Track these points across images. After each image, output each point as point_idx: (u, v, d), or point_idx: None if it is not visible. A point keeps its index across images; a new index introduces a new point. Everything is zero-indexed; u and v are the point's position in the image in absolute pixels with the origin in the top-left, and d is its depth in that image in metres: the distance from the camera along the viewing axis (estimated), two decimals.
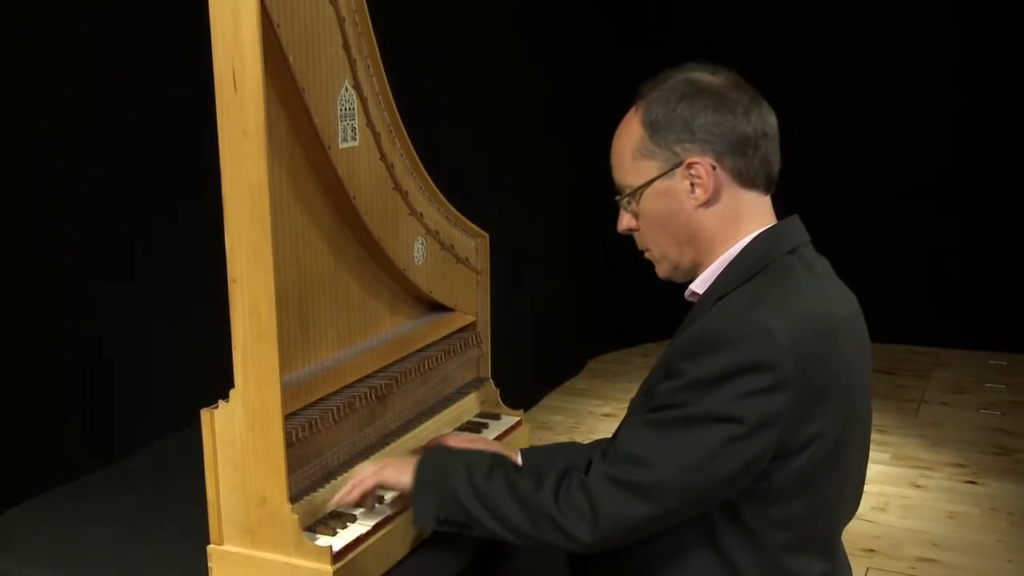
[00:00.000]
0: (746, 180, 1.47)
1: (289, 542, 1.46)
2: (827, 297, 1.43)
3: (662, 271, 1.55)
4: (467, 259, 1.94)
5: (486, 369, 2.02)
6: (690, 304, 1.53)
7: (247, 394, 1.45)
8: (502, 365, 3.81)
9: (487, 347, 2.01)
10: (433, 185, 1.80)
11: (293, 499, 1.49)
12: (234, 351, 1.44)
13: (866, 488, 4.07)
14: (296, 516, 1.45)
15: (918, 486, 3.85)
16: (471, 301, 1.97)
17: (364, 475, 1.57)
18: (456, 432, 1.88)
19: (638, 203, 1.49)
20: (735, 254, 1.46)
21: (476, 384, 2.00)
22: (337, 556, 1.46)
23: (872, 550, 3.37)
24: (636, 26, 5.14)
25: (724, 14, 5.38)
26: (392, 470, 1.56)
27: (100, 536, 1.67)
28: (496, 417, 1.98)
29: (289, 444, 1.46)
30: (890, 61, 5.29)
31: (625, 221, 1.54)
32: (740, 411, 1.30)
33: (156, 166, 2.49)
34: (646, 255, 1.56)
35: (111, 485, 1.86)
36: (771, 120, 1.48)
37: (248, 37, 1.34)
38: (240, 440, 1.47)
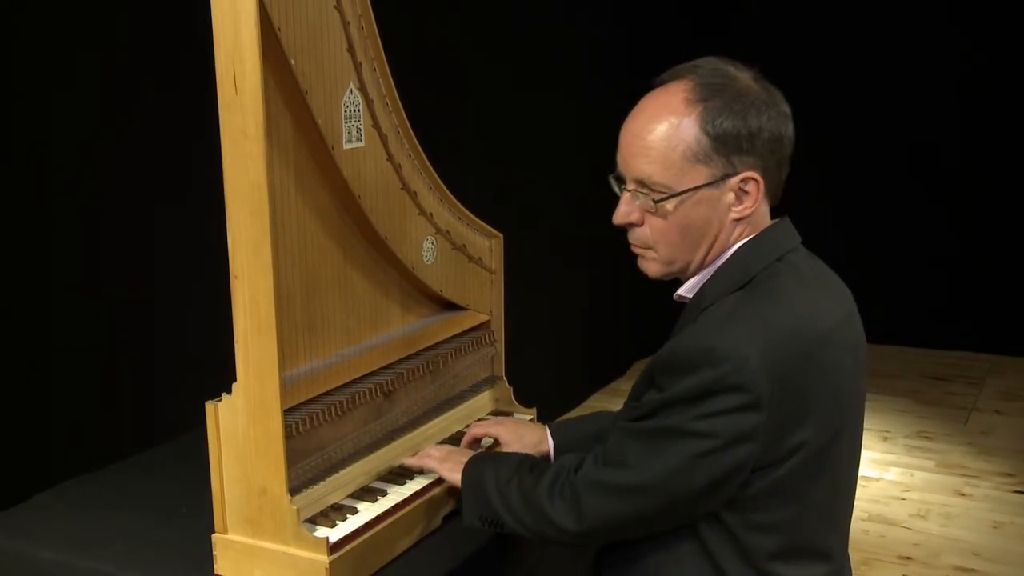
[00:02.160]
0: (771, 195, 1.46)
1: (288, 532, 1.50)
2: (814, 308, 1.40)
3: (657, 271, 1.49)
4: (480, 259, 1.96)
5: (500, 368, 2.04)
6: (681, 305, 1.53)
7: (248, 387, 1.49)
8: (546, 365, 3.82)
9: (501, 346, 2.03)
10: (443, 186, 1.82)
11: (294, 491, 1.52)
12: (236, 345, 1.49)
13: (907, 495, 4.00)
14: (295, 507, 1.49)
15: (962, 494, 3.77)
16: (484, 300, 1.99)
17: (432, 463, 1.68)
18: (485, 418, 1.94)
19: (674, 208, 1.40)
20: (722, 261, 1.44)
21: (490, 382, 2.02)
22: (333, 548, 1.49)
23: (909, 558, 3.31)
24: (665, 22, 5.13)
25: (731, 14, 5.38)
26: (449, 466, 1.66)
27: (118, 522, 1.73)
28: (508, 415, 2.00)
29: (289, 436, 1.50)
30: (934, 61, 5.20)
31: (628, 215, 1.45)
32: (713, 428, 1.31)
33: (174, 162, 2.53)
34: (638, 250, 1.49)
35: (135, 473, 1.93)
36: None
37: (248, 40, 1.38)
38: (242, 432, 1.51)
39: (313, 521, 1.57)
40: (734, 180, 1.40)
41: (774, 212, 1.50)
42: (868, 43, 5.30)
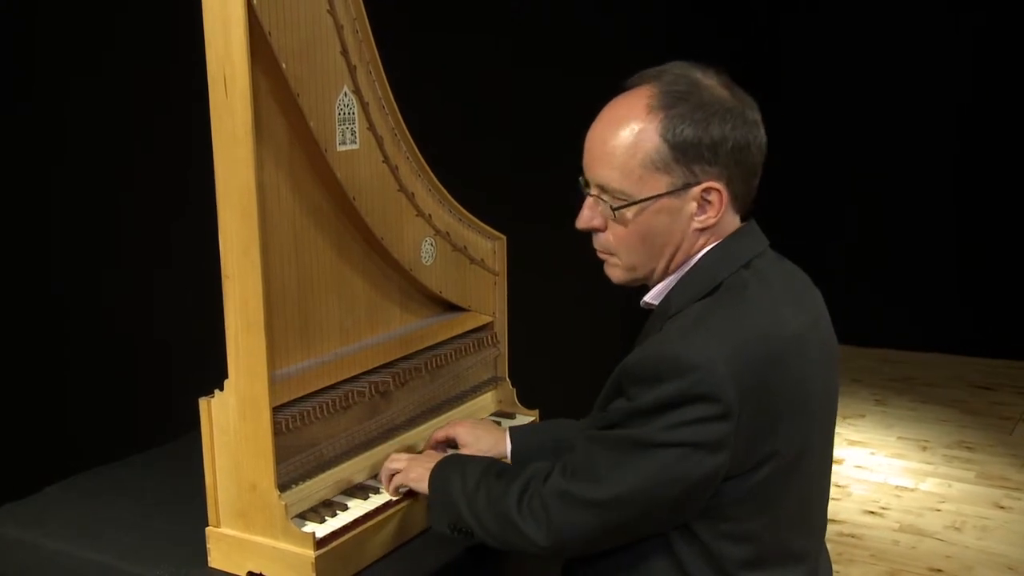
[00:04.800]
0: (739, 206, 1.44)
1: (276, 527, 1.53)
2: (780, 313, 1.38)
3: (620, 278, 1.48)
4: (482, 260, 1.97)
5: (503, 369, 2.05)
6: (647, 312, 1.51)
7: (239, 384, 1.52)
8: (551, 366, 3.78)
9: (504, 347, 2.04)
10: (442, 188, 1.84)
11: (284, 486, 1.55)
12: (227, 343, 1.52)
13: (943, 506, 3.92)
14: (283, 503, 1.52)
15: (1001, 507, 3.68)
16: (487, 301, 2.00)
17: (397, 472, 1.65)
18: (461, 420, 1.90)
19: (633, 215, 1.39)
20: (688, 268, 1.43)
21: (492, 383, 2.03)
22: (320, 543, 1.52)
23: (939, 570, 3.24)
24: (667, 22, 5.09)
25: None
26: (416, 473, 1.63)
27: (125, 514, 1.78)
28: (511, 416, 2.01)
29: (279, 433, 1.53)
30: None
31: (591, 219, 1.44)
32: (682, 438, 1.29)
33: (176, 162, 2.56)
34: (601, 255, 1.48)
35: (140, 468, 1.98)
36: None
37: (237, 45, 1.41)
38: (233, 428, 1.54)
39: (303, 516, 1.59)
40: (696, 190, 1.38)
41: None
42: (885, 46, 5.25)
